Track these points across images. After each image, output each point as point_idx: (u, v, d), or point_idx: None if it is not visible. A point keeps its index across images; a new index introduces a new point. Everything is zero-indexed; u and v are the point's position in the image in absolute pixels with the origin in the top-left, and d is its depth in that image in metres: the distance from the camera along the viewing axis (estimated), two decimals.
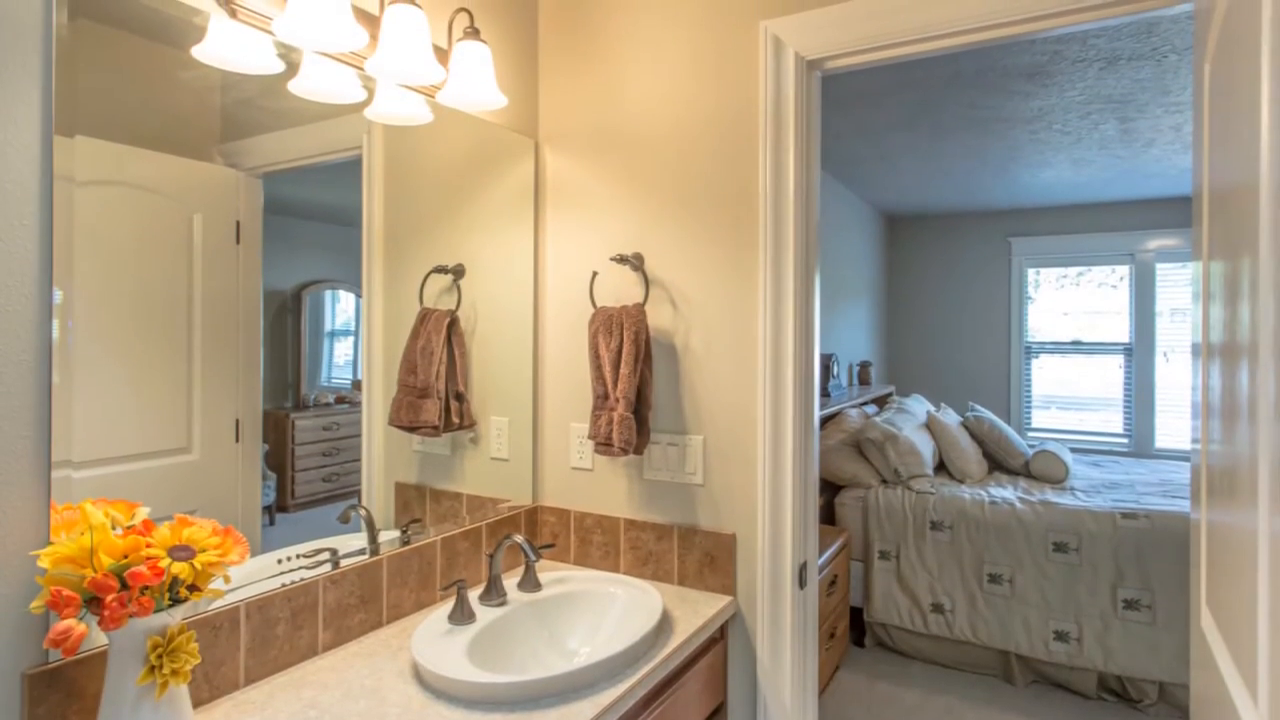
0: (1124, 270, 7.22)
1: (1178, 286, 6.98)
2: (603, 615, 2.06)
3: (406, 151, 2.02)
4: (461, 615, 1.84)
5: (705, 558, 2.19)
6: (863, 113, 4.35)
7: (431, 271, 2.12)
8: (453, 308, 2.19)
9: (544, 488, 2.53)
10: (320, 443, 1.83)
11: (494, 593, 1.98)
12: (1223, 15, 1.12)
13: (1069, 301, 7.51)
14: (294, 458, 1.77)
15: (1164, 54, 3.42)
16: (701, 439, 2.22)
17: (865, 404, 6.19)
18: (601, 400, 2.21)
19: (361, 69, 1.85)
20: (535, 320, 2.52)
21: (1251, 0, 0.90)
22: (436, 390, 2.13)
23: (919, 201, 7.15)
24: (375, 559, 1.93)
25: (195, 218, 1.52)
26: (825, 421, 5.38)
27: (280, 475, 1.74)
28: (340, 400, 1.88)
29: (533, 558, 1.97)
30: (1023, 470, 4.93)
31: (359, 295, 1.91)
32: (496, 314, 2.36)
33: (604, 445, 2.17)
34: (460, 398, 2.22)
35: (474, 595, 2.05)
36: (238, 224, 1.61)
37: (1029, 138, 4.84)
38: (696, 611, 2.03)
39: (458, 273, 2.21)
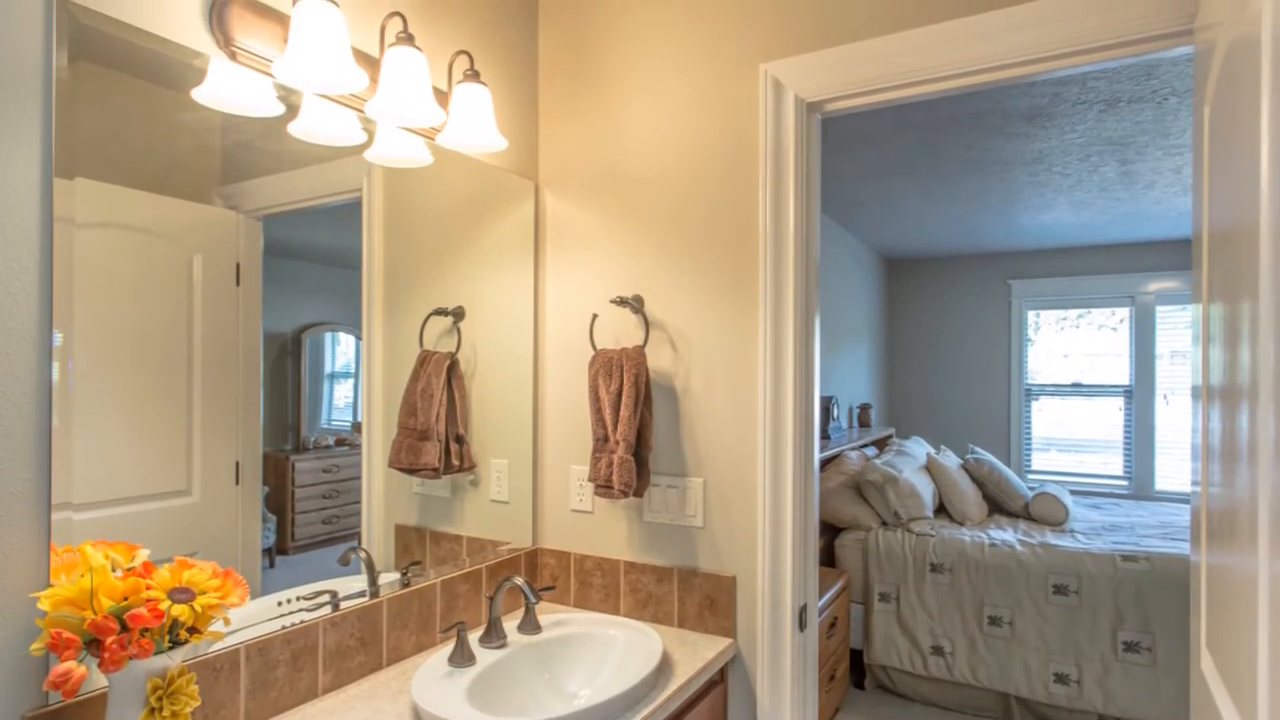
0: (1124, 313, 7.30)
1: (1178, 329, 7.06)
2: (603, 657, 2.03)
3: (406, 194, 2.07)
4: (461, 658, 1.82)
5: (705, 600, 2.18)
6: (862, 155, 4.46)
7: (431, 314, 2.15)
8: (453, 350, 2.22)
9: (544, 530, 2.52)
10: (320, 485, 1.84)
11: (494, 635, 1.96)
12: (1222, 58, 1.16)
13: (1069, 344, 7.57)
14: (294, 500, 1.77)
15: (1164, 96, 3.52)
16: (702, 481, 2.23)
17: (865, 446, 6.19)
18: (601, 443, 2.22)
19: (361, 111, 1.89)
20: (535, 363, 2.54)
21: (1250, 44, 0.93)
22: (437, 432, 2.14)
23: (918, 244, 7.27)
24: (375, 601, 1.91)
25: (195, 259, 1.55)
26: (825, 464, 5.37)
27: (280, 517, 1.74)
28: (340, 443, 1.89)
29: (533, 600, 1.95)
30: (1022, 512, 4.91)
31: (359, 337, 1.94)
32: (496, 356, 2.39)
33: (604, 488, 2.17)
34: (460, 440, 2.23)
35: (474, 638, 2.03)
36: (237, 266, 1.65)
37: (1028, 180, 4.95)
38: (696, 654, 2.00)
39: (458, 315, 2.24)
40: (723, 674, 2.12)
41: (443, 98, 2.14)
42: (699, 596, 2.19)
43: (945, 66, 1.90)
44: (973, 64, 1.87)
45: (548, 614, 2.19)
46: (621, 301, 2.35)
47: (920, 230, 6.58)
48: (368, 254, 1.96)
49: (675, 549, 2.26)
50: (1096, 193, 5.26)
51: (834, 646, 4.05)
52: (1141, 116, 3.79)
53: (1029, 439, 7.66)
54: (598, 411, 2.23)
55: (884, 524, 4.64)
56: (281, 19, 1.65)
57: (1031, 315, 7.73)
